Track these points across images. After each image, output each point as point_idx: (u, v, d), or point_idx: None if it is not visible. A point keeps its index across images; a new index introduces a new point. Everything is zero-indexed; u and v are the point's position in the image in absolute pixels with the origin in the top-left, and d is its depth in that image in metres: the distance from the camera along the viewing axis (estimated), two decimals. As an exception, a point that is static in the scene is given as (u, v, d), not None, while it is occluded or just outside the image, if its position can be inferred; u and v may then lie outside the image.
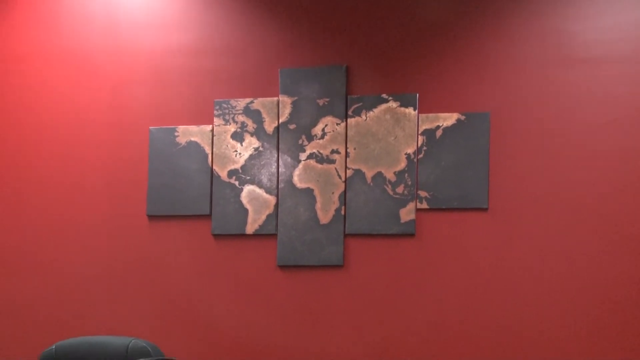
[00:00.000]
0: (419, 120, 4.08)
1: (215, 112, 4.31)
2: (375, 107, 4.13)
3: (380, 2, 4.20)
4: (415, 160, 4.07)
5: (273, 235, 4.20)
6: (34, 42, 4.60)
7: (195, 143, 4.32)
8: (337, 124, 4.16)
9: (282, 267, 4.18)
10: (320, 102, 4.19)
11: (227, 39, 4.38)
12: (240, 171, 4.26)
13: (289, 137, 4.22)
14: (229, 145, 4.28)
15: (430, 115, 4.06)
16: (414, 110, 4.08)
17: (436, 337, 4.01)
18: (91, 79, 4.51)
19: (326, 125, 4.17)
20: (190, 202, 4.32)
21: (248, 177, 4.24)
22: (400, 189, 4.06)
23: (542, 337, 3.92)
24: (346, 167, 4.14)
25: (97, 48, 4.52)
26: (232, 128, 4.29)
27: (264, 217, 4.22)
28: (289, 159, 4.20)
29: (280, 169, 4.21)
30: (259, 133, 4.26)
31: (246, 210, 4.23)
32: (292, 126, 4.22)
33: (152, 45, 4.45)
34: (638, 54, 3.88)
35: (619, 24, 3.91)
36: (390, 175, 4.08)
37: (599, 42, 3.94)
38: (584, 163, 3.90)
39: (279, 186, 4.21)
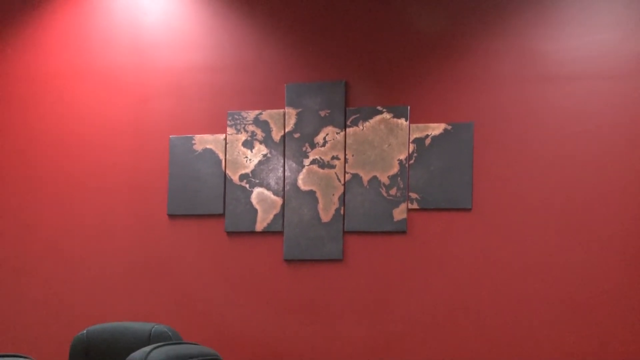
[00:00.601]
0: (410, 129, 4.05)
1: (228, 122, 4.27)
2: (371, 118, 4.10)
3: (376, 24, 4.16)
4: (406, 165, 4.04)
5: (280, 233, 4.18)
6: (67, 62, 4.55)
7: (210, 150, 4.28)
8: (337, 133, 4.13)
9: (288, 261, 4.16)
10: (322, 113, 4.16)
11: (239, 57, 4.32)
12: (250, 175, 4.22)
13: (294, 145, 4.18)
14: (240, 152, 4.24)
15: (420, 125, 4.04)
16: (406, 120, 4.05)
17: (424, 322, 3.99)
18: (118, 94, 4.47)
19: (327, 134, 4.14)
20: (205, 203, 4.28)
21: (257, 181, 4.21)
22: (393, 191, 4.04)
23: (517, 321, 3.90)
24: (345, 171, 4.11)
25: (123, 66, 4.47)
26: (243, 137, 4.25)
27: (271, 216, 4.19)
28: (294, 164, 4.17)
29: (286, 173, 4.18)
30: (267, 141, 4.21)
31: (256, 210, 4.20)
32: (296, 135, 4.18)
33: (172, 63, 4.41)
34: (602, 71, 3.87)
35: (586, 45, 3.90)
36: (384, 179, 4.06)
37: (568, 61, 3.91)
38: (556, 168, 3.89)
39: (285, 189, 4.18)
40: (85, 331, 3.37)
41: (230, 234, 4.26)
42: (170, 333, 3.29)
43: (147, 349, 2.55)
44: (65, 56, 4.56)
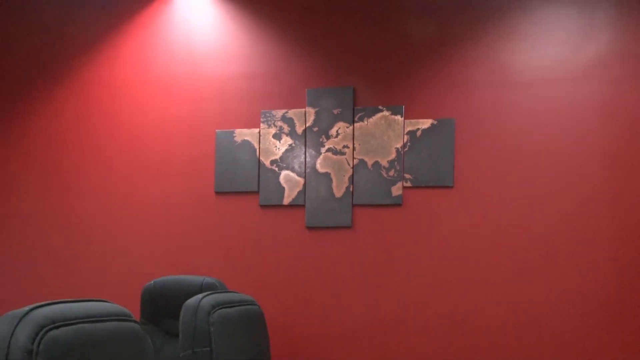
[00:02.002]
0: (405, 124, 4.13)
1: (261, 119, 4.36)
2: (373, 115, 4.18)
3: (378, 43, 4.23)
4: (402, 152, 4.13)
5: (302, 206, 4.28)
6: (136, 72, 4.64)
7: (248, 141, 4.36)
8: (347, 127, 4.21)
9: (309, 228, 4.27)
10: (335, 111, 4.25)
11: (270, 67, 4.41)
12: (279, 161, 4.31)
13: (313, 137, 4.27)
14: (271, 143, 4.33)
15: (413, 120, 4.13)
16: (401, 117, 4.14)
17: (415, 277, 4.10)
18: (175, 97, 4.56)
19: (339, 128, 4.24)
20: (244, 182, 4.35)
21: (284, 165, 4.30)
22: (391, 173, 4.13)
23: (490, 279, 3.99)
24: (353, 157, 4.20)
25: (180, 75, 4.56)
26: (273, 130, 4.32)
27: (295, 193, 4.28)
28: (313, 152, 4.26)
29: (307, 159, 4.26)
30: (292, 134, 4.30)
31: (283, 188, 4.29)
32: (315, 129, 4.28)
33: (218, 72, 4.49)
34: (556, 77, 3.95)
35: (544, 56, 3.98)
36: (384, 163, 4.15)
37: (529, 69, 4.00)
38: (520, 155, 3.99)
39: (306, 171, 4.26)
40: (152, 282, 3.60)
41: (263, 206, 4.35)
42: (217, 284, 3.46)
43: (200, 296, 2.69)
44: (135, 67, 4.64)
